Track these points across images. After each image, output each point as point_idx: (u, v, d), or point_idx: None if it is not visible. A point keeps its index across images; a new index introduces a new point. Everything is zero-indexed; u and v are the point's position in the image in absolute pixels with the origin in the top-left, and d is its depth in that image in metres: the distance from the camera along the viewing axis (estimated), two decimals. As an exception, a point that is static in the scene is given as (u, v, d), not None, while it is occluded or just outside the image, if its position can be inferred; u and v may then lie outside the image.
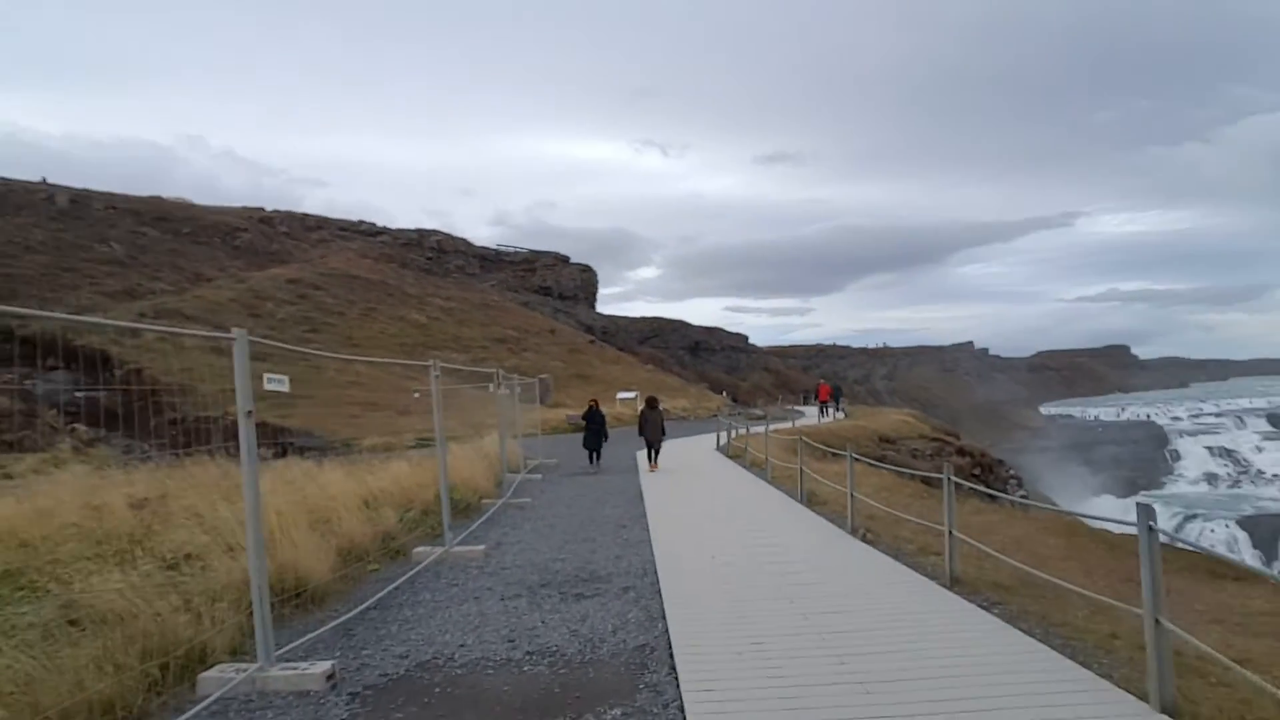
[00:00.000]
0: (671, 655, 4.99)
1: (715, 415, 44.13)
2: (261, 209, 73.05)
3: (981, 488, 11.02)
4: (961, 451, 29.43)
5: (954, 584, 6.40)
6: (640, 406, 18.35)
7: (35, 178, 58.39)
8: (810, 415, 39.00)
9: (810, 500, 11.57)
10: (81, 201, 56.31)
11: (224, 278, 52.18)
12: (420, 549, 8.52)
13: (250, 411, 4.92)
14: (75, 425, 26.01)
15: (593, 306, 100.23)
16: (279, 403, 35.48)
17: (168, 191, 67.22)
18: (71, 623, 4.77)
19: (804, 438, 12.64)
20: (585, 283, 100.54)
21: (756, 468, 16.79)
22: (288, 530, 6.90)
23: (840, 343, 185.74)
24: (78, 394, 29.89)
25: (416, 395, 23.24)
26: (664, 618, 5.83)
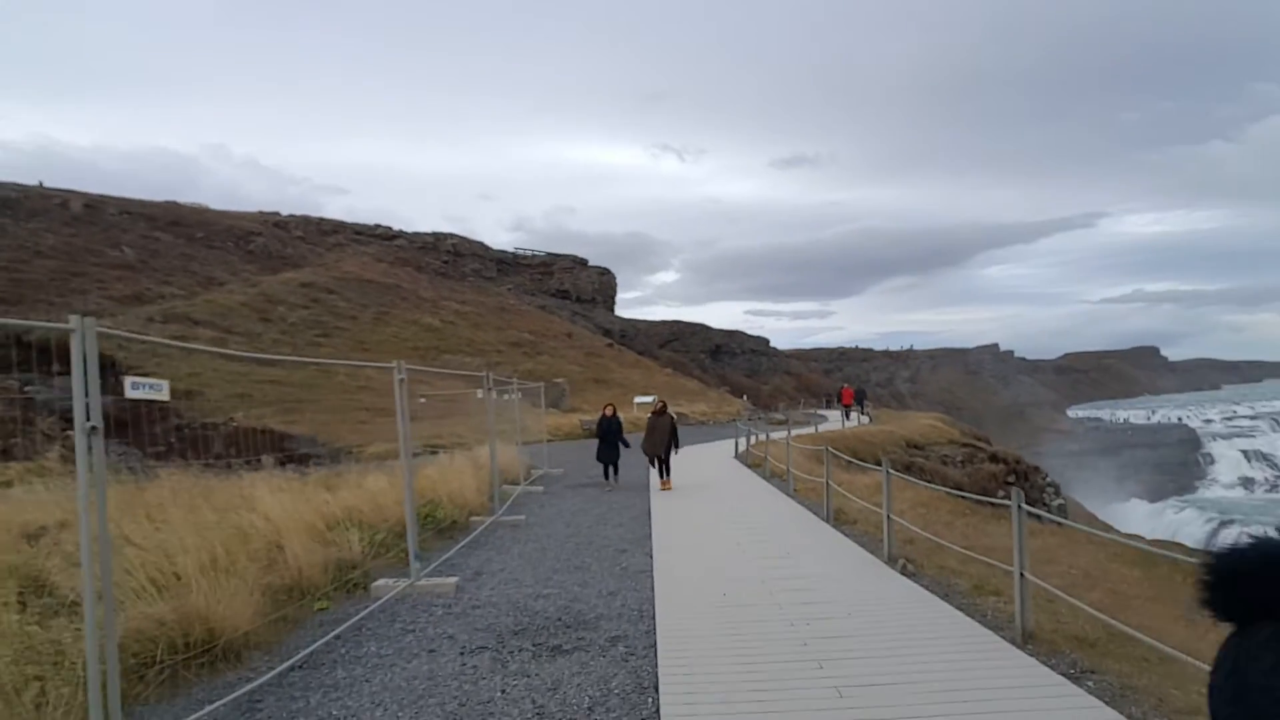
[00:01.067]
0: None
1: (735, 420, 42.82)
2: (277, 214, 72.63)
3: (1044, 513, 9.56)
4: (995, 458, 27.85)
5: (1027, 640, 5.06)
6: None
7: (63, 188, 58.23)
8: (833, 420, 37.50)
9: (838, 519, 10.25)
10: (96, 207, 55.99)
11: (236, 282, 51.55)
12: (381, 581, 7.29)
13: (94, 426, 3.70)
14: (69, 431, 25.11)
15: (611, 310, 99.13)
16: (286, 407, 34.65)
17: (191, 200, 67.07)
18: None
19: (829, 447, 11.31)
20: (603, 285, 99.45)
21: (777, 479, 15.46)
22: (203, 566, 5.68)
23: (862, 345, 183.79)
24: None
25: (423, 401, 21.87)
26: (656, 689, 4.55)
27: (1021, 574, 5.12)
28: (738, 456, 21.10)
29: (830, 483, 10.45)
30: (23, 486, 11.67)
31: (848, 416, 39.66)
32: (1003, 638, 5.21)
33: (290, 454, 25.60)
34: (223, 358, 35.82)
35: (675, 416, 14.94)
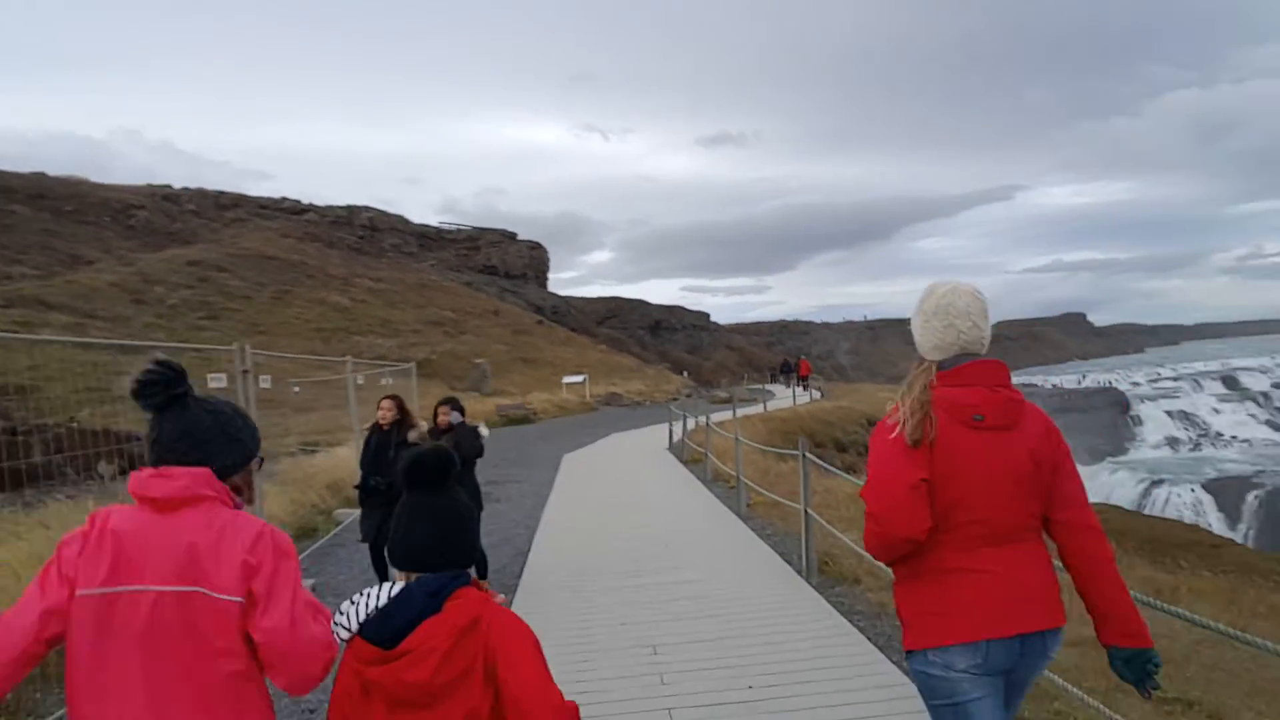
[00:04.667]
0: None
1: (675, 399, 39.07)
2: (168, 186, 65.73)
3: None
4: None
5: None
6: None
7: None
8: (781, 396, 34.02)
9: (823, 566, 6.45)
10: (-58, 178, 48.98)
11: (108, 260, 45.47)
12: None
13: None
14: None
15: (544, 286, 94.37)
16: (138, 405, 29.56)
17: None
18: None
19: (808, 451, 7.42)
20: (534, 260, 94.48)
21: (722, 483, 11.63)
22: None
23: (801, 319, 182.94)
24: None
25: (296, 391, 17.28)
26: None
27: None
28: (672, 448, 17.28)
29: (809, 512, 6.58)
30: None
31: (805, 389, 36.63)
32: None
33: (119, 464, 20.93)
34: (77, 346, 30.50)
35: (482, 434, 6.48)
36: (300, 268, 55.96)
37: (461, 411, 6.49)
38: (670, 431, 18.36)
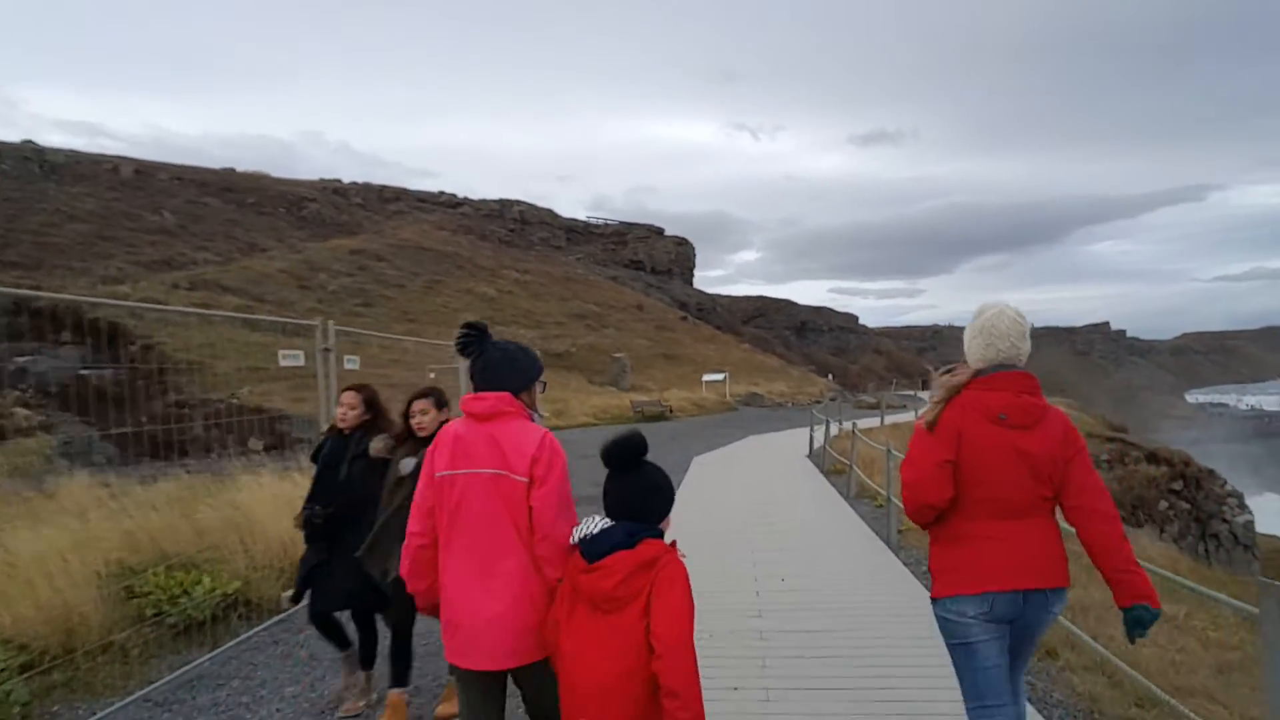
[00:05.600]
0: None
1: (818, 402, 37.07)
2: (338, 180, 69.84)
3: None
4: (1154, 458, 21.50)
5: None
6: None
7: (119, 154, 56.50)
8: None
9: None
10: (146, 173, 53.92)
11: (280, 249, 48.48)
12: None
13: None
14: (14, 410, 21.73)
15: (689, 282, 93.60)
16: (299, 383, 30.87)
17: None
18: None
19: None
20: (681, 256, 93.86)
21: (867, 499, 10.08)
22: None
23: (956, 324, 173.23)
24: (58, 371, 25.64)
25: (433, 375, 16.70)
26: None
27: None
28: (812, 455, 15.73)
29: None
30: None
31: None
32: None
33: (297, 438, 21.54)
34: (246, 325, 32.26)
35: (403, 468, 3.73)
36: (452, 258, 57.76)
37: (445, 407, 3.87)
38: (811, 437, 16.79)
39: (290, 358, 7.46)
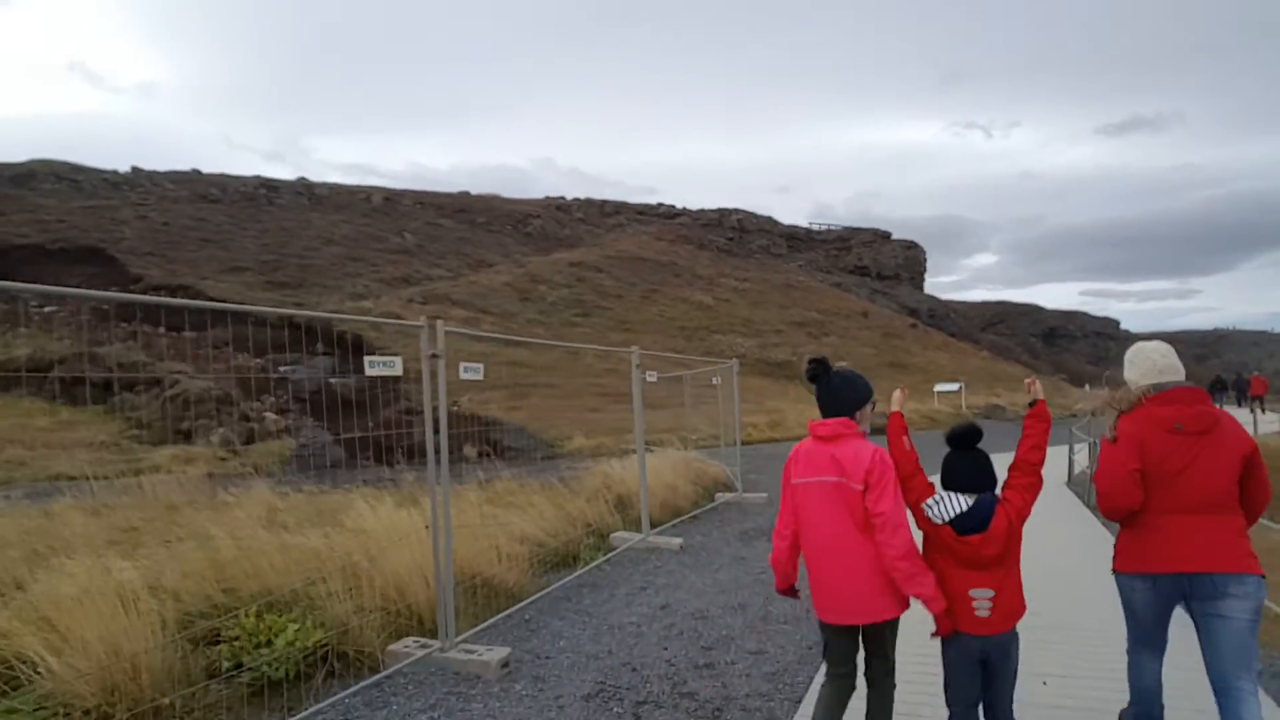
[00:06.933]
0: None
1: (1073, 416, 31.75)
2: (561, 197, 72.26)
3: None
4: None
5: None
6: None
7: (373, 185, 62.06)
8: (1239, 418, 25.26)
9: None
10: (394, 200, 58.52)
11: (506, 263, 50.34)
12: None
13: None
14: (266, 414, 23.08)
15: (919, 287, 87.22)
16: (518, 391, 31.04)
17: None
18: None
19: None
20: (910, 261, 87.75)
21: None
22: None
23: (1244, 327, 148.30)
24: (297, 379, 27.33)
25: (652, 380, 14.78)
26: None
27: None
28: (1071, 482, 12.36)
29: None
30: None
31: (1262, 410, 27.77)
32: None
33: (507, 447, 21.15)
34: (468, 338, 33.20)
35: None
36: (669, 268, 57.30)
37: None
38: (1070, 460, 13.22)
39: (471, 370, 6.21)
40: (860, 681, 3.19)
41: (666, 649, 4.97)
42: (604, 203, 73.96)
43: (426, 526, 5.20)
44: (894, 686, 3.13)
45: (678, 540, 8.07)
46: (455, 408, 25.32)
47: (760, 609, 5.77)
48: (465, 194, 65.27)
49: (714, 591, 6.31)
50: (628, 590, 6.40)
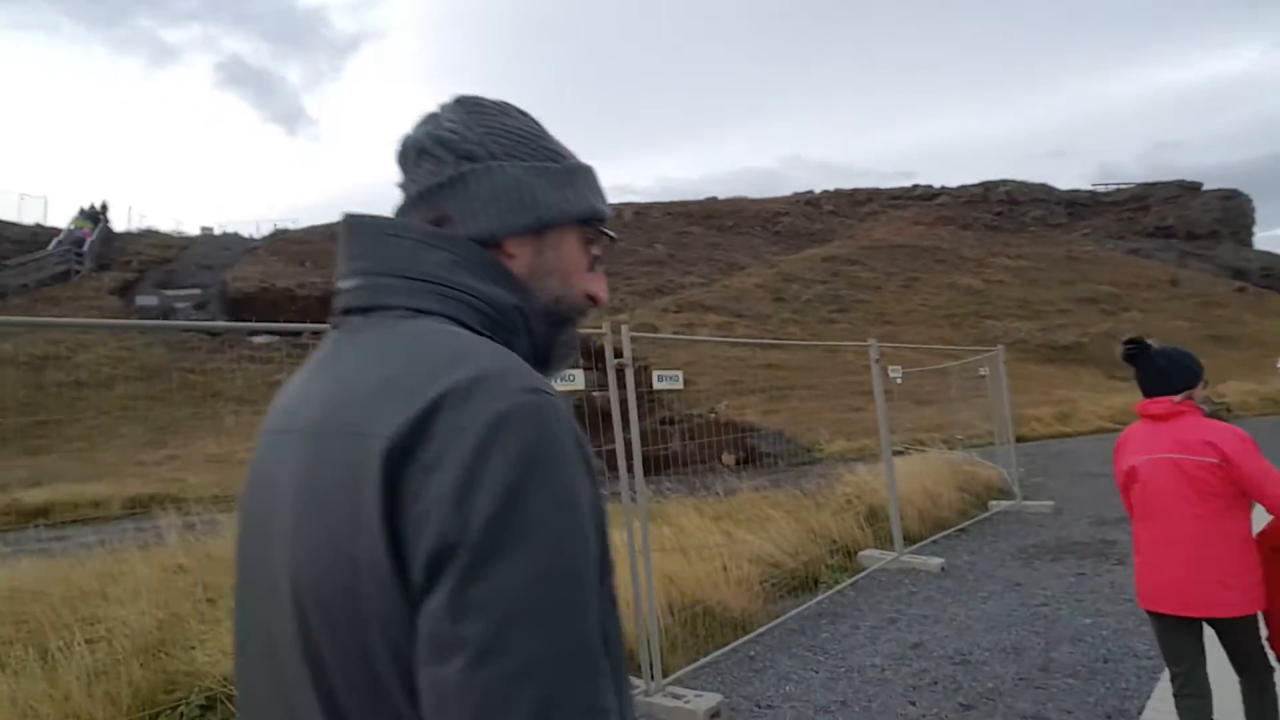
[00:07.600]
0: None
1: None
2: (809, 192, 70.34)
3: None
4: None
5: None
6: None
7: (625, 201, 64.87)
8: None
9: None
10: (643, 214, 60.44)
11: (757, 265, 49.85)
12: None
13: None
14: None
15: (1245, 243, 73.67)
16: (775, 395, 30.33)
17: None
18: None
19: None
20: (1230, 213, 74.34)
21: None
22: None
23: None
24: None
25: (898, 379, 13.96)
26: None
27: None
28: None
29: None
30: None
31: None
32: None
33: (764, 453, 20.74)
34: (723, 344, 33.26)
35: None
36: (930, 253, 53.53)
37: None
38: None
39: (668, 379, 5.92)
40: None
41: (915, 703, 4.15)
42: (854, 191, 70.90)
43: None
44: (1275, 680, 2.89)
45: (938, 560, 7.05)
46: (712, 415, 25.27)
47: (1040, 655, 4.72)
48: (712, 199, 65.78)
49: (980, 628, 5.31)
50: (874, 622, 5.58)
